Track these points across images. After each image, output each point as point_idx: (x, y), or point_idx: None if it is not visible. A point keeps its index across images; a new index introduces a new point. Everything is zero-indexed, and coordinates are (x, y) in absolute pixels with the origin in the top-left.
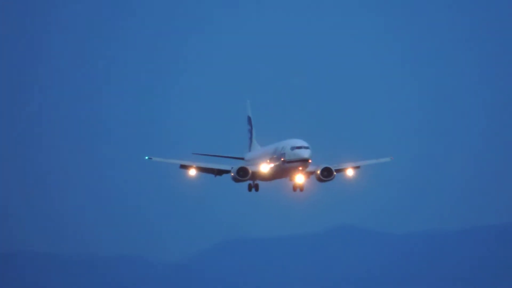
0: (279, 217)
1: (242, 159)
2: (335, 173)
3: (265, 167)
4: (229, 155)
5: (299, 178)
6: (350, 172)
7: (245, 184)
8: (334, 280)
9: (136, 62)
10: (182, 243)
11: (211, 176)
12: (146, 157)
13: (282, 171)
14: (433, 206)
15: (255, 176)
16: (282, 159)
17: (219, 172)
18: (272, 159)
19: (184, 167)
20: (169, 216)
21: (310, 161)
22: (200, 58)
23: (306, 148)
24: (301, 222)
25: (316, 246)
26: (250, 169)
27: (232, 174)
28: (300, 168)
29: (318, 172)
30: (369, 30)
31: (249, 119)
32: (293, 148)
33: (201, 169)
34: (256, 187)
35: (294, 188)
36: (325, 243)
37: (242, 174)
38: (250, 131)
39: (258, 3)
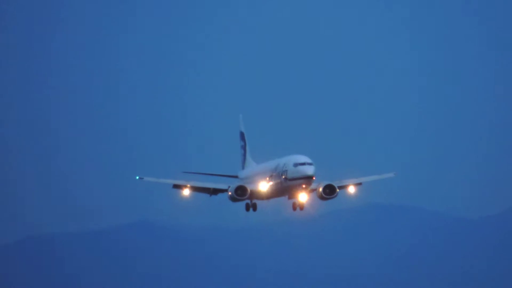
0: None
1: (236, 177)
2: (338, 190)
3: (264, 186)
4: (221, 173)
5: (302, 197)
6: (352, 189)
7: (242, 204)
8: None
9: (121, 78)
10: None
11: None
12: (137, 177)
13: (284, 189)
14: None
15: (253, 195)
16: (284, 177)
17: (215, 192)
18: (272, 177)
19: (178, 186)
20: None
21: (314, 178)
22: (190, 71)
23: (310, 164)
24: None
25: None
26: (249, 187)
27: (230, 193)
28: (304, 186)
29: (320, 189)
30: (369, 43)
31: (242, 134)
32: (296, 164)
33: (195, 189)
34: (254, 207)
35: (294, 207)
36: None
37: (240, 193)
38: (244, 148)
39: (252, 14)
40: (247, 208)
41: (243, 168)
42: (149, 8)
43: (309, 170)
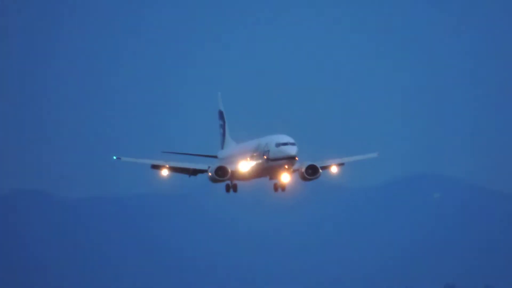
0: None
1: (215, 157)
2: (321, 171)
3: (245, 166)
4: (200, 153)
5: (285, 177)
6: (334, 170)
7: (222, 185)
8: None
9: (99, 58)
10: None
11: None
12: (114, 157)
13: (265, 170)
14: None
15: (234, 175)
16: (265, 157)
17: (194, 172)
18: (253, 157)
19: (156, 167)
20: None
21: (297, 158)
22: (162, 48)
23: (293, 144)
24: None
25: None
26: (229, 168)
27: (210, 174)
28: (286, 167)
29: (303, 170)
30: (354, 24)
31: (220, 113)
32: (278, 144)
33: (174, 169)
34: (235, 188)
35: (276, 188)
36: None
37: (221, 173)
38: (223, 127)
39: None
40: (227, 189)
41: (222, 148)
42: None
43: (292, 150)
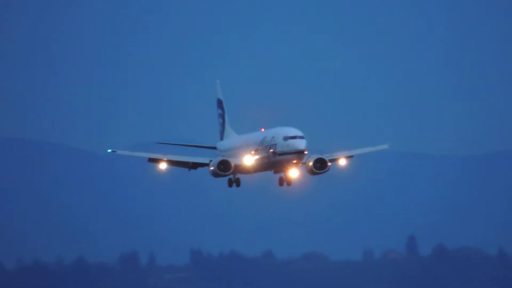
0: None
1: (214, 148)
2: (329, 164)
3: (249, 160)
4: (198, 144)
5: (293, 172)
6: (343, 162)
7: (225, 180)
8: None
9: (93, 47)
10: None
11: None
12: (109, 150)
13: (271, 164)
14: None
15: (236, 169)
16: (272, 151)
17: (194, 166)
18: (258, 151)
19: (154, 160)
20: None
21: (306, 152)
22: (159, 34)
23: (301, 138)
24: None
25: None
26: (232, 162)
27: (212, 168)
28: (294, 161)
29: (310, 164)
30: (363, 15)
31: (219, 102)
32: (286, 138)
33: (173, 163)
34: (238, 182)
35: (281, 182)
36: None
37: (224, 168)
38: (222, 116)
39: None
40: (230, 184)
41: (221, 138)
42: None
43: (301, 144)
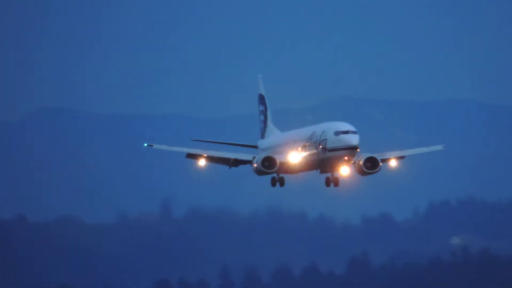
0: None
1: (255, 147)
2: (381, 163)
3: (295, 157)
4: (236, 142)
5: (344, 171)
6: (393, 163)
7: (268, 178)
8: None
9: (127, 40)
10: None
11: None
12: (145, 144)
13: (320, 161)
14: None
15: (281, 168)
16: (322, 147)
17: (236, 163)
18: (305, 147)
19: (192, 156)
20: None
21: (358, 149)
22: (199, 27)
23: (354, 133)
24: None
25: None
26: (278, 159)
27: (255, 165)
28: (346, 158)
29: (361, 162)
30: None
31: (261, 97)
32: (337, 133)
33: (213, 159)
34: (282, 182)
35: (328, 183)
36: None
37: (268, 165)
38: (264, 113)
39: None
40: (273, 183)
41: (263, 136)
42: None
43: (354, 139)
